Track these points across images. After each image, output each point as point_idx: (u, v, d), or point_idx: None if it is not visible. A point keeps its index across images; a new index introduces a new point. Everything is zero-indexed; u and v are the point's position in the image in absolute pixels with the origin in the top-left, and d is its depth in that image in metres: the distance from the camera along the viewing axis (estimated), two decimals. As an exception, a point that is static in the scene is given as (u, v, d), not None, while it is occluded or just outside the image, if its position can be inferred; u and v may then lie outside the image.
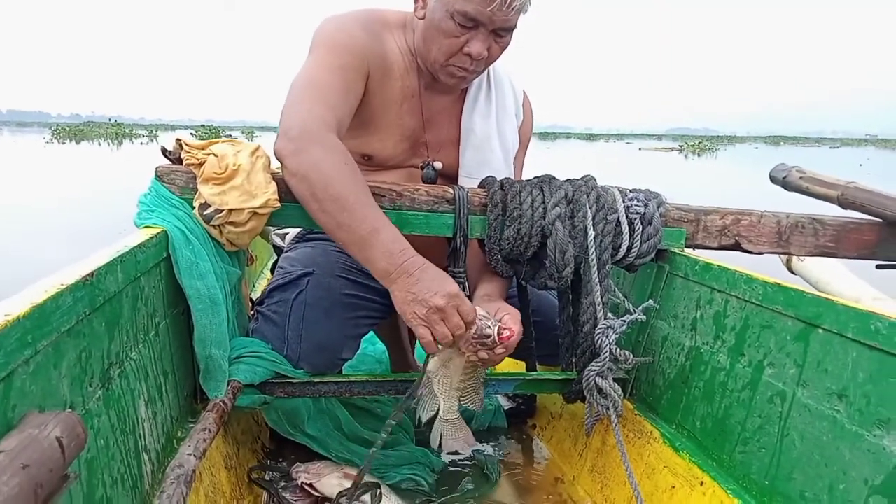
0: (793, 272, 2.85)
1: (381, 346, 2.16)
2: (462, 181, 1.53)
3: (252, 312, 1.53)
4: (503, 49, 1.39)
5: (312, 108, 1.26)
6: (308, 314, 1.42)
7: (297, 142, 1.21)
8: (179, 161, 1.30)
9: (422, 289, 1.15)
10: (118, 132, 40.50)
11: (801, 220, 1.56)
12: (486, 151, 1.53)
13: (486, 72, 1.52)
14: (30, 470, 0.56)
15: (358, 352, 1.63)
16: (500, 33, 1.34)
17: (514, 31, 1.37)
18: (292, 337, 1.41)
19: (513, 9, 1.28)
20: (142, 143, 32.13)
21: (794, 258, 2.83)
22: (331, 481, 1.43)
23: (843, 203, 1.70)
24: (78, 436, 0.66)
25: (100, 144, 29.41)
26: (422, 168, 1.51)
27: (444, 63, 1.37)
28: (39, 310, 0.71)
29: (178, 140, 1.33)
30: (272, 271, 1.66)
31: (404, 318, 1.19)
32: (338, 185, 1.18)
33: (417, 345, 2.00)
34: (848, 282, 2.57)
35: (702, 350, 1.33)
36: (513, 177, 1.55)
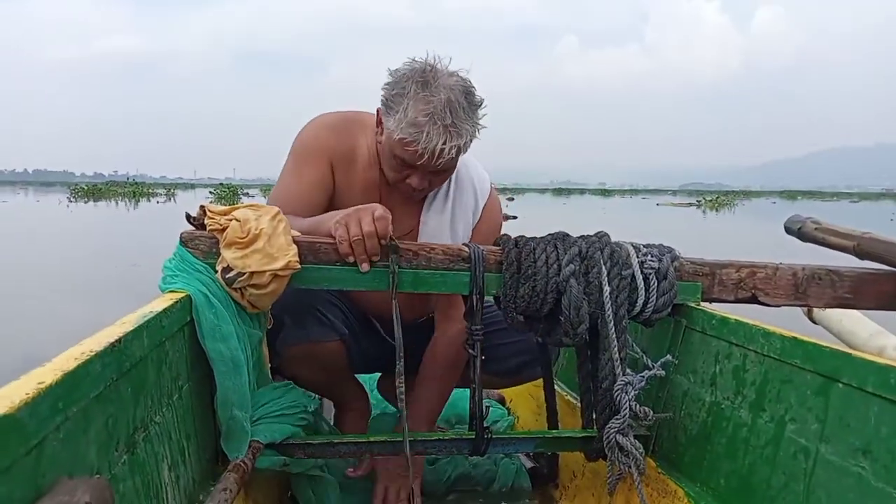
0: (814, 321, 2.82)
1: (393, 408, 2.15)
2: None
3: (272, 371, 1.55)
4: (445, 180, 1.57)
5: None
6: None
7: None
8: (203, 227, 1.34)
9: (345, 213, 1.36)
10: (135, 191, 41.08)
11: (817, 272, 1.56)
12: (439, 231, 1.64)
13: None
14: (60, 537, 0.57)
15: (380, 407, 1.66)
16: (438, 172, 1.48)
17: (458, 161, 1.50)
18: (278, 302, 1.48)
19: (441, 161, 1.40)
20: (158, 202, 32.66)
21: (815, 308, 2.80)
22: None
23: (860, 253, 1.70)
24: (106, 501, 0.67)
25: (117, 204, 29.92)
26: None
27: (394, 185, 1.53)
28: (70, 376, 0.73)
29: (201, 206, 1.37)
30: None
31: (334, 234, 1.34)
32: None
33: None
34: (871, 331, 2.54)
35: (723, 405, 1.32)
36: None
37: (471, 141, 1.44)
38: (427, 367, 1.69)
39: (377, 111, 1.51)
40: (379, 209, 1.34)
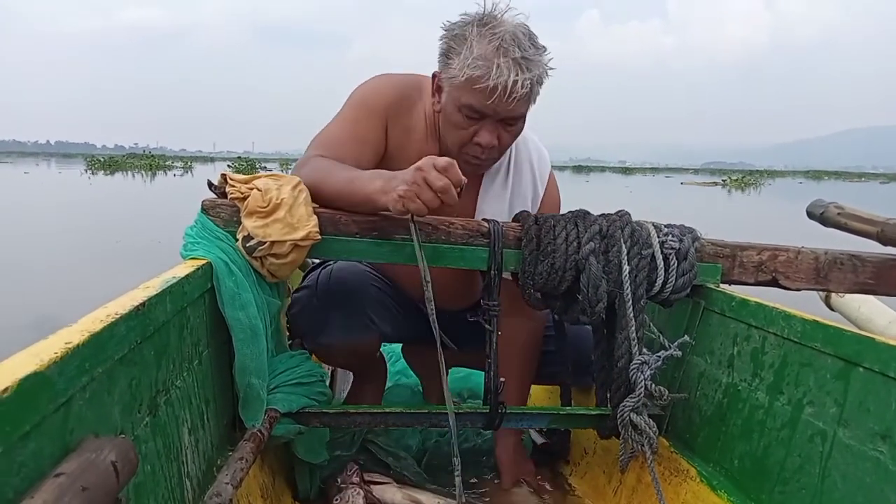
0: (832, 308, 2.80)
1: (415, 378, 2.17)
2: None
3: (290, 340, 1.57)
4: (515, 136, 1.45)
5: (313, 150, 1.47)
6: (336, 276, 1.58)
7: (296, 170, 1.44)
8: (224, 195, 1.35)
9: (401, 174, 1.24)
10: (152, 164, 41.09)
11: (839, 257, 1.54)
12: (500, 211, 1.57)
13: (508, 154, 1.56)
14: (88, 493, 0.58)
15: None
16: (509, 122, 1.40)
17: (526, 118, 1.42)
18: (322, 294, 1.53)
19: (514, 100, 1.32)
20: (175, 175, 32.64)
21: (834, 294, 2.78)
22: (392, 490, 1.51)
23: (883, 239, 1.68)
24: (130, 461, 0.68)
25: (133, 176, 30.00)
26: None
27: (458, 152, 1.44)
28: (96, 338, 0.74)
29: (223, 174, 1.38)
30: None
31: (395, 206, 1.22)
32: (318, 171, 1.38)
33: (451, 375, 2.01)
34: (890, 319, 2.52)
35: (739, 387, 1.32)
36: None
37: (540, 83, 1.36)
38: (505, 361, 1.60)
39: (433, 76, 1.45)
40: (440, 159, 1.21)
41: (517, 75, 1.29)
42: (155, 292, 0.95)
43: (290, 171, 1.47)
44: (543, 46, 1.36)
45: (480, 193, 1.59)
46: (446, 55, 1.37)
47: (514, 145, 1.53)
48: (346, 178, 1.34)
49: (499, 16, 1.34)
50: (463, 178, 1.21)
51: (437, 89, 1.45)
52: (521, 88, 1.31)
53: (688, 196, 25.12)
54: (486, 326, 1.46)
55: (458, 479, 1.27)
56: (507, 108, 1.34)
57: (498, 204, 1.58)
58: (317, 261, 1.93)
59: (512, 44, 1.30)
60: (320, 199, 1.35)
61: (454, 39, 1.35)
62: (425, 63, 1.59)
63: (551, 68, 1.38)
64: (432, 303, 1.29)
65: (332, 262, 1.64)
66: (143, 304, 0.89)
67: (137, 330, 0.86)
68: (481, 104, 1.34)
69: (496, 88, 1.30)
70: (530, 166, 1.62)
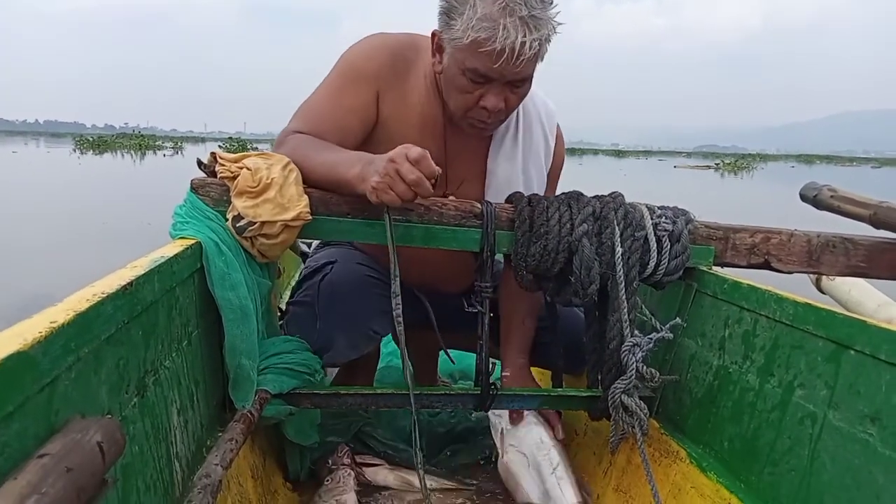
0: (822, 291, 2.81)
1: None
2: None
3: (280, 320, 1.56)
4: (522, 97, 1.39)
5: (293, 124, 1.42)
6: (336, 289, 1.51)
7: (275, 147, 1.40)
8: (214, 174, 1.33)
9: (377, 161, 1.20)
10: (141, 143, 40.69)
11: (832, 240, 1.54)
12: (508, 194, 1.52)
13: (515, 112, 1.49)
14: (73, 473, 0.58)
15: (388, 359, 1.67)
16: (516, 83, 1.33)
17: (533, 77, 1.35)
18: (323, 311, 1.47)
19: (522, 61, 1.26)
20: (165, 156, 32.30)
21: (824, 277, 2.79)
22: (384, 471, 1.52)
23: (876, 222, 1.68)
24: (117, 441, 0.67)
25: (122, 156, 29.72)
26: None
27: (463, 116, 1.39)
28: (82, 317, 0.73)
29: (212, 153, 1.36)
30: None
31: (370, 197, 1.19)
32: (297, 153, 1.33)
33: (441, 357, 2.01)
34: (880, 302, 2.53)
35: (730, 369, 1.32)
36: None
37: (548, 41, 1.28)
38: (506, 307, 1.64)
39: (432, 35, 1.37)
40: (413, 150, 1.17)
41: (525, 36, 1.22)
42: (143, 271, 0.93)
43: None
44: (553, 12, 1.28)
45: (490, 154, 1.53)
46: (448, 14, 1.29)
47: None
48: (327, 161, 1.30)
49: None
50: (437, 168, 1.17)
51: (438, 49, 1.37)
52: (529, 50, 1.24)
53: (682, 179, 25.15)
54: (479, 308, 1.45)
55: (420, 473, 1.28)
56: (515, 71, 1.28)
57: (510, 164, 1.53)
58: (308, 246, 1.93)
59: (518, 1, 1.22)
60: (303, 181, 1.32)
61: None
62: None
63: (559, 23, 1.29)
64: (398, 297, 1.27)
65: (328, 268, 1.56)
66: (130, 284, 0.87)
67: (125, 309, 0.85)
68: (487, 68, 1.27)
69: (503, 51, 1.23)
70: (540, 122, 1.55)
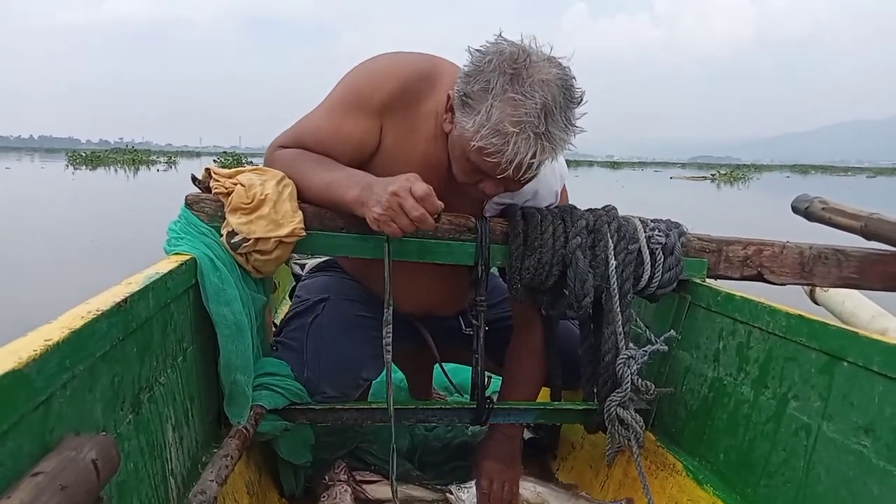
0: (817, 303, 2.82)
1: (401, 374, 2.16)
2: None
3: (273, 342, 1.55)
4: (523, 185, 1.28)
5: (283, 139, 1.40)
6: (325, 335, 1.47)
7: (265, 163, 1.40)
8: (208, 189, 1.34)
9: (378, 187, 1.19)
10: (135, 158, 40.61)
11: (824, 251, 1.55)
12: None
13: None
14: (67, 491, 0.58)
15: (381, 373, 1.66)
16: (520, 181, 1.24)
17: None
18: (311, 359, 1.44)
19: (528, 174, 1.18)
20: (158, 171, 32.17)
21: (818, 288, 2.80)
22: (383, 487, 1.50)
23: (867, 234, 1.69)
24: (112, 459, 0.67)
25: (116, 171, 29.61)
26: None
27: (462, 183, 1.31)
28: (77, 335, 0.73)
29: (207, 169, 1.36)
30: (290, 297, 1.70)
31: (372, 225, 1.19)
32: (290, 170, 1.33)
33: (436, 371, 2.01)
34: (873, 313, 2.54)
35: (725, 381, 1.32)
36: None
37: (563, 148, 1.19)
38: (510, 375, 1.61)
39: (447, 97, 1.26)
40: (418, 187, 1.13)
41: (534, 156, 1.14)
42: (137, 288, 0.93)
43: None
44: (581, 95, 1.19)
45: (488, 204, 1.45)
46: (463, 101, 1.19)
47: None
48: (324, 180, 1.30)
49: (535, 64, 1.15)
50: (440, 204, 1.16)
51: (450, 110, 1.27)
52: (537, 167, 1.17)
53: (679, 191, 25.21)
54: (473, 322, 1.45)
55: (392, 480, 1.30)
56: (516, 178, 1.20)
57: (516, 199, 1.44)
58: (299, 260, 1.90)
59: (538, 118, 1.12)
60: (299, 197, 1.32)
61: (476, 85, 1.16)
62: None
63: (581, 130, 1.20)
64: (390, 326, 1.29)
65: (320, 307, 1.52)
66: (125, 301, 0.87)
67: (120, 326, 0.85)
68: (489, 172, 1.20)
69: (508, 166, 1.15)
70: (546, 182, 1.43)
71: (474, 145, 1.15)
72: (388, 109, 1.35)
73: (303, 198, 1.32)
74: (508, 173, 1.17)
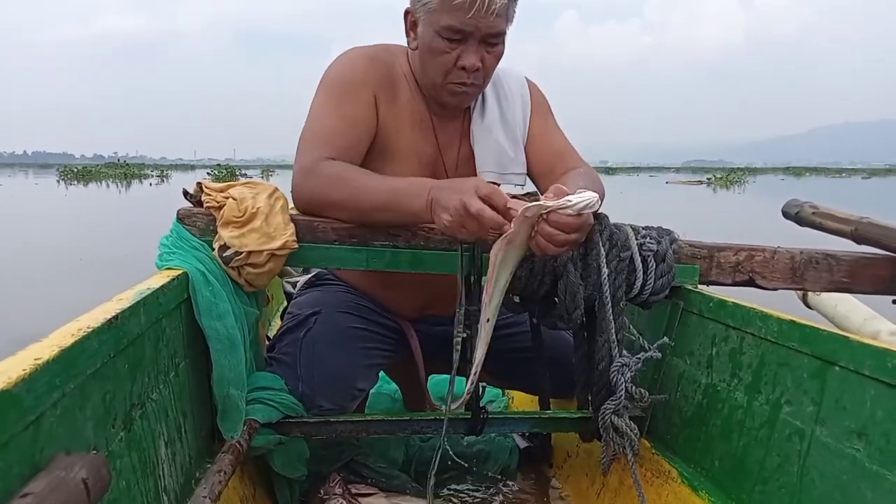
0: (809, 306, 2.83)
1: (394, 385, 2.16)
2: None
3: (266, 358, 1.55)
4: (498, 58, 1.42)
5: (313, 152, 1.39)
6: (318, 348, 1.47)
7: (303, 179, 1.38)
8: (200, 203, 1.34)
9: (444, 197, 1.20)
10: (126, 173, 40.40)
11: (815, 256, 1.56)
12: (495, 148, 1.56)
13: (487, 87, 1.53)
14: (57, 512, 0.57)
15: (377, 384, 1.65)
16: (490, 41, 1.37)
17: (505, 40, 1.40)
18: (305, 373, 1.44)
19: (493, 13, 1.31)
20: (151, 185, 31.96)
21: (810, 293, 2.81)
22: (379, 500, 1.48)
23: (857, 238, 1.70)
24: (103, 478, 0.67)
25: (108, 186, 29.45)
26: None
27: (443, 82, 1.41)
28: (67, 353, 0.73)
29: (198, 183, 1.36)
30: (282, 317, 1.70)
31: (446, 233, 1.22)
32: (346, 183, 1.33)
33: (431, 382, 2.00)
34: (866, 316, 2.55)
35: (718, 388, 1.32)
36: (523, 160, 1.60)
37: (515, 1, 1.35)
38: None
39: (405, 14, 1.42)
40: (483, 187, 1.16)
41: None
42: (128, 304, 0.93)
43: (286, 182, 1.44)
44: None
45: (472, 135, 1.56)
46: None
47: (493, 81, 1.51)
48: (387, 188, 1.31)
49: None
50: (507, 197, 1.16)
51: (412, 26, 1.41)
52: (499, 1, 1.30)
53: (675, 195, 25.23)
54: (468, 332, 1.45)
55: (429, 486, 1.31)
56: (488, 23, 1.33)
57: (489, 135, 1.56)
58: (290, 279, 1.89)
59: None
60: (349, 216, 1.34)
61: None
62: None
63: None
64: (461, 325, 1.33)
65: (312, 320, 1.52)
66: (116, 317, 0.87)
67: (110, 343, 0.85)
68: (461, 21, 1.32)
69: (474, 2, 1.29)
70: (508, 88, 1.60)
71: (439, 2, 1.29)
72: (373, 83, 1.46)
73: (359, 207, 1.32)
74: (479, 14, 1.29)
